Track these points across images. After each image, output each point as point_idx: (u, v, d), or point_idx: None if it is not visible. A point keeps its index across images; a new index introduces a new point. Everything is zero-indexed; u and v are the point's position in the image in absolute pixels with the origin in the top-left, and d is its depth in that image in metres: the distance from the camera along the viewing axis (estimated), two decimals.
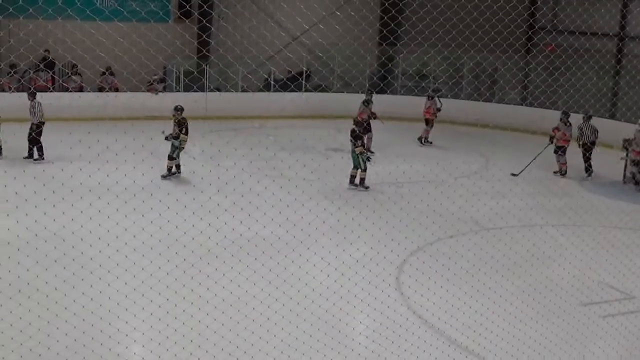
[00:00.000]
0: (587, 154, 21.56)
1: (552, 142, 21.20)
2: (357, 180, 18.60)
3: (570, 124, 21.37)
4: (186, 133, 18.40)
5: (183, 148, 18.71)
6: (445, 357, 10.19)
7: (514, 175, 20.56)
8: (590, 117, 21.87)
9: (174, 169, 18.74)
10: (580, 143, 21.59)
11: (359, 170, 18.55)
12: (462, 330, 10.83)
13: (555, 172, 21.46)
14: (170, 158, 18.53)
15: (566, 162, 21.32)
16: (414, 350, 10.11)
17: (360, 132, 18.87)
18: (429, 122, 24.92)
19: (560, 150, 21.30)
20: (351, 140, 18.62)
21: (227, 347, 9.72)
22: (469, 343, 10.61)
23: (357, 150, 18.38)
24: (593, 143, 21.50)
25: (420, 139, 24.75)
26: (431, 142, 24.77)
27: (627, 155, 20.83)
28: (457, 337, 10.83)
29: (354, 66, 27.07)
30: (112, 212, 12.29)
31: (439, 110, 24.88)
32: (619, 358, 10.79)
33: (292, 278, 11.91)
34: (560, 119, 21.47)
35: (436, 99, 25.03)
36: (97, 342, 9.69)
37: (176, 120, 18.41)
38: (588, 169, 21.64)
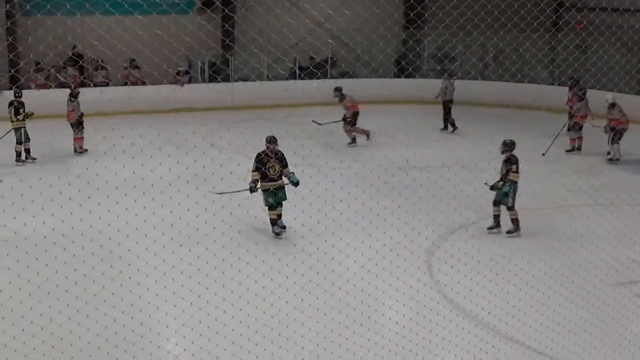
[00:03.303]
0: (447, 110, 23.94)
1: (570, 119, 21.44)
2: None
3: (585, 98, 21.35)
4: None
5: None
6: (479, 341, 10.29)
7: (543, 154, 20.58)
8: (452, 76, 23.80)
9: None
10: (441, 100, 24.03)
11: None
12: (495, 313, 10.89)
13: (567, 151, 21.48)
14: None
15: (582, 137, 21.40)
16: (447, 335, 10.21)
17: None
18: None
19: (577, 126, 21.39)
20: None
21: (269, 334, 9.96)
22: (503, 326, 10.70)
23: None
24: (451, 101, 23.87)
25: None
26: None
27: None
28: (490, 320, 10.93)
29: (380, 51, 27.04)
30: (139, 209, 12.47)
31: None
32: None
33: (324, 270, 12.02)
34: (576, 94, 21.49)
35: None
36: (129, 341, 9.93)
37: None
38: (453, 124, 23.92)
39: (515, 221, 14.87)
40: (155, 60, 18.73)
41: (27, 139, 19.91)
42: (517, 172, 14.81)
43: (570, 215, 15.52)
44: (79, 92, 20.79)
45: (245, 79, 25.91)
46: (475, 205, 15.82)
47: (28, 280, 10.58)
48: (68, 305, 10.15)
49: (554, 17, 28.29)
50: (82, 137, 20.68)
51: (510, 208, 14.84)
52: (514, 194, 14.81)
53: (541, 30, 23.89)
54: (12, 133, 19.95)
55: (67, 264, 11.44)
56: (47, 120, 21.39)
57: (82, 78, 25.94)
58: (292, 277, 11.95)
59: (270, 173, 14.23)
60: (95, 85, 25.43)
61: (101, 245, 12.00)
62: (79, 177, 13.59)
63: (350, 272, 11.84)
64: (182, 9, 27.30)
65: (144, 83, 26.29)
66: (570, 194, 17.14)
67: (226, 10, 26.60)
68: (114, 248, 11.95)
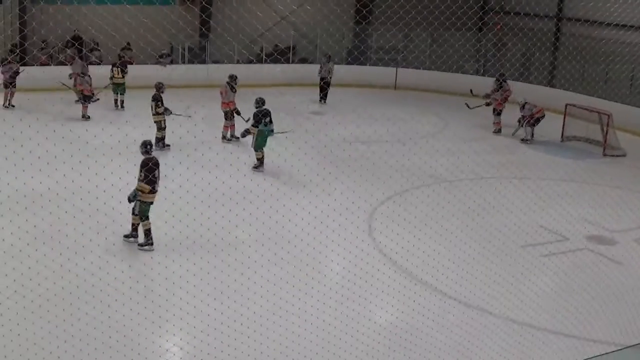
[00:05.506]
0: (325, 88, 23.74)
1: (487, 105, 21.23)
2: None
3: (502, 87, 21.06)
4: None
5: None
6: (407, 290, 10.29)
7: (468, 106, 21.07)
8: (330, 58, 23.96)
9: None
10: (320, 78, 23.77)
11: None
12: (422, 267, 10.84)
13: (494, 132, 21.04)
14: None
15: (500, 121, 21.04)
16: (381, 285, 10.13)
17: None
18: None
19: (497, 112, 21.07)
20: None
21: (232, 284, 9.83)
22: (428, 278, 10.69)
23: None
24: (328, 78, 23.75)
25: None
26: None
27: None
28: (418, 273, 10.89)
29: (335, 42, 26.91)
30: (131, 167, 12.15)
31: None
32: (553, 292, 10.92)
33: (276, 225, 12.03)
34: (495, 84, 21.30)
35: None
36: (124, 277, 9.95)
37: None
38: (324, 98, 23.80)
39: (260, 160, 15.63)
40: (141, 44, 18.50)
41: None
42: (266, 124, 15.50)
43: (485, 186, 15.60)
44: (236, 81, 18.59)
45: (218, 62, 25.64)
46: (410, 174, 15.64)
47: (27, 232, 10.58)
48: (60, 254, 10.11)
49: (481, 18, 28.21)
50: (233, 125, 18.23)
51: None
52: (255, 140, 15.48)
53: (466, 29, 23.90)
54: None
55: (59, 218, 11.37)
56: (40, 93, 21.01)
57: (79, 58, 25.38)
58: (247, 231, 11.99)
59: None
60: (90, 64, 24.84)
61: (89, 204, 11.79)
62: (71, 144, 13.46)
63: (299, 228, 11.63)
64: (166, 0, 26.82)
65: (131, 63, 25.77)
66: (480, 168, 17.04)
67: (203, 3, 26.38)
68: (100, 206, 11.76)
